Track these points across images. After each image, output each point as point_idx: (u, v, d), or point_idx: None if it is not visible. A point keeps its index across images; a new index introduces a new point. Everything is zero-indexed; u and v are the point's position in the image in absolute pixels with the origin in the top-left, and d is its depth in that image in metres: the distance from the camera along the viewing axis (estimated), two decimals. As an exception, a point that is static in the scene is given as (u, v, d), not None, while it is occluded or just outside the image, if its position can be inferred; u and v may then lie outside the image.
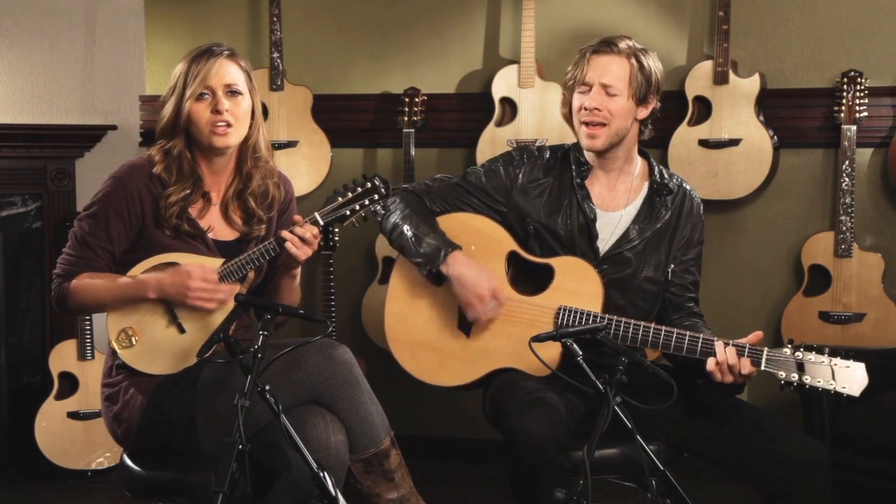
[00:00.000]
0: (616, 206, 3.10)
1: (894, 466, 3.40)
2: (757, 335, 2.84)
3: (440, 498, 3.81)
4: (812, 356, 2.75)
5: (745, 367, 2.79)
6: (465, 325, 3.09)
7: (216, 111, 2.85)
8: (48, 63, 4.67)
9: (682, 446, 2.98)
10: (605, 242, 3.08)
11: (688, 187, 3.17)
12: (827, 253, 4.16)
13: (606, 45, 3.03)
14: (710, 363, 2.82)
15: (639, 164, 3.14)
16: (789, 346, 2.78)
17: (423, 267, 3.05)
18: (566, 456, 2.76)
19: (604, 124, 3.01)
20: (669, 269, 3.10)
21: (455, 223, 3.12)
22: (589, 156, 3.10)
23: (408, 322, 3.13)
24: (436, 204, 3.15)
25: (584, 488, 2.47)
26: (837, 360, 2.74)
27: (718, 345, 2.82)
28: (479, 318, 3.02)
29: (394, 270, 3.19)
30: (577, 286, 3.00)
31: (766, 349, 2.80)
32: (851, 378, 2.73)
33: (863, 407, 3.54)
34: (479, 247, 3.08)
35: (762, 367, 2.80)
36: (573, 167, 3.10)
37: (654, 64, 3.05)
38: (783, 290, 4.33)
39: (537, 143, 4.27)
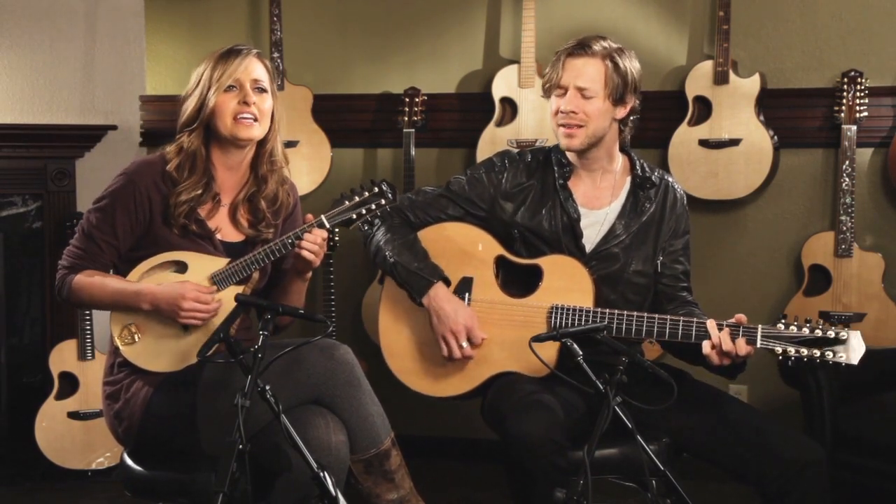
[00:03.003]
0: (600, 204, 3.10)
1: (894, 466, 3.40)
2: (740, 318, 2.84)
3: (440, 498, 3.82)
4: (807, 329, 2.76)
5: (742, 348, 2.79)
6: None
7: (244, 103, 2.87)
8: (48, 63, 4.67)
9: (682, 446, 2.98)
10: (591, 240, 3.08)
11: (670, 179, 3.17)
12: (827, 253, 4.16)
13: (581, 47, 3.02)
14: (706, 346, 2.83)
15: (620, 160, 3.14)
16: (783, 320, 2.79)
17: (408, 292, 3.07)
18: (563, 457, 2.76)
19: (580, 126, 3.01)
20: (658, 261, 3.11)
21: (440, 234, 3.12)
22: (571, 156, 3.10)
23: (403, 335, 3.13)
24: (418, 217, 3.15)
25: (584, 488, 2.47)
26: (832, 331, 2.74)
27: (712, 328, 2.82)
28: (452, 355, 3.01)
29: (384, 286, 3.18)
30: (566, 283, 3.00)
31: (760, 326, 2.80)
32: (849, 347, 2.74)
33: (863, 407, 3.55)
34: (468, 254, 3.08)
35: (758, 345, 2.80)
36: (555, 168, 3.10)
37: (630, 63, 3.04)
38: (783, 290, 4.33)
39: (537, 143, 4.28)
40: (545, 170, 3.12)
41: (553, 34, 4.43)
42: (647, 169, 3.13)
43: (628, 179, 3.13)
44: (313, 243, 2.83)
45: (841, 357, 2.74)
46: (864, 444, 3.47)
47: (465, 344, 2.99)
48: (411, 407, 3.24)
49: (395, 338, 3.14)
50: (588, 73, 3.00)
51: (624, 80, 3.01)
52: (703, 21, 4.36)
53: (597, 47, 3.01)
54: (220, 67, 2.88)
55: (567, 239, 3.07)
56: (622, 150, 3.15)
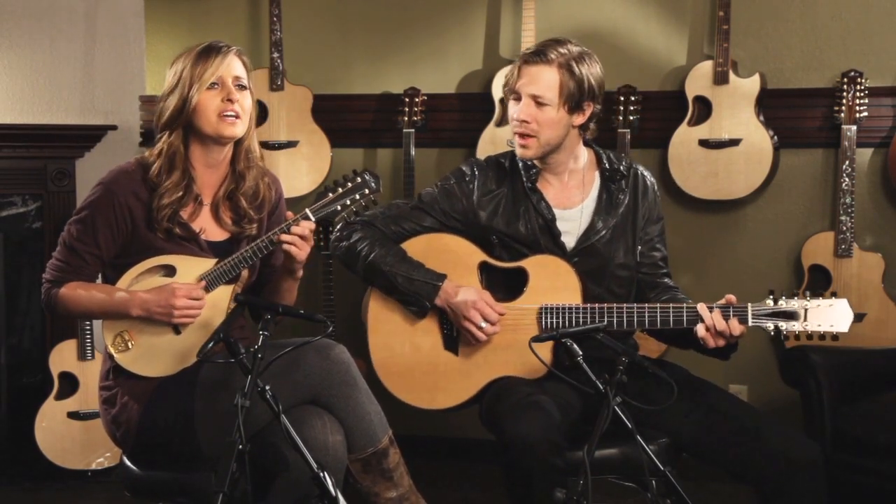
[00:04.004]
0: (572, 203, 3.10)
1: (894, 466, 3.40)
2: (729, 298, 2.85)
3: (440, 498, 3.81)
4: (795, 302, 2.78)
5: (736, 328, 2.81)
6: (452, 344, 3.08)
7: (228, 100, 2.85)
8: (48, 63, 4.67)
9: (681, 445, 2.98)
10: (571, 238, 3.08)
11: (639, 168, 3.16)
12: (827, 253, 4.16)
13: (536, 54, 3.01)
14: (701, 330, 2.83)
15: (585, 156, 3.13)
16: (771, 297, 2.79)
17: (415, 304, 3.06)
18: (561, 457, 2.76)
19: (533, 136, 3.00)
20: (637, 251, 3.10)
21: (421, 245, 3.11)
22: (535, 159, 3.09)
23: (394, 352, 3.12)
24: (392, 230, 3.13)
25: (584, 488, 2.47)
26: (819, 301, 2.77)
27: (704, 311, 2.83)
28: (478, 340, 3.01)
29: (370, 303, 3.16)
30: (553, 283, 3.00)
31: (750, 304, 2.81)
32: (837, 316, 2.76)
33: (863, 407, 3.55)
34: (450, 263, 3.08)
35: (750, 323, 2.81)
36: (522, 172, 3.10)
37: (587, 70, 3.00)
38: (783, 290, 4.29)
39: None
40: (513, 175, 3.12)
41: (553, 34, 4.38)
42: (614, 160, 3.12)
43: (596, 174, 3.13)
44: (297, 236, 2.81)
45: (831, 326, 2.75)
46: (864, 444, 3.47)
47: (483, 325, 2.99)
48: (410, 407, 3.24)
49: (388, 356, 3.13)
50: (542, 81, 2.98)
51: (580, 87, 2.99)
52: (703, 21, 4.36)
53: (552, 54, 2.99)
54: (200, 65, 2.85)
55: (546, 240, 3.06)
56: (585, 143, 3.13)
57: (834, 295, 2.79)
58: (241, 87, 2.89)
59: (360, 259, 3.10)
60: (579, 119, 3.03)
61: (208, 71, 2.84)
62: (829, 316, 2.76)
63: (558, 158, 3.07)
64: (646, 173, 3.17)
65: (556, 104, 2.98)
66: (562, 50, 3.00)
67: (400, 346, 3.11)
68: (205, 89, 2.84)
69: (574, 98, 2.99)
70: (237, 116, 2.86)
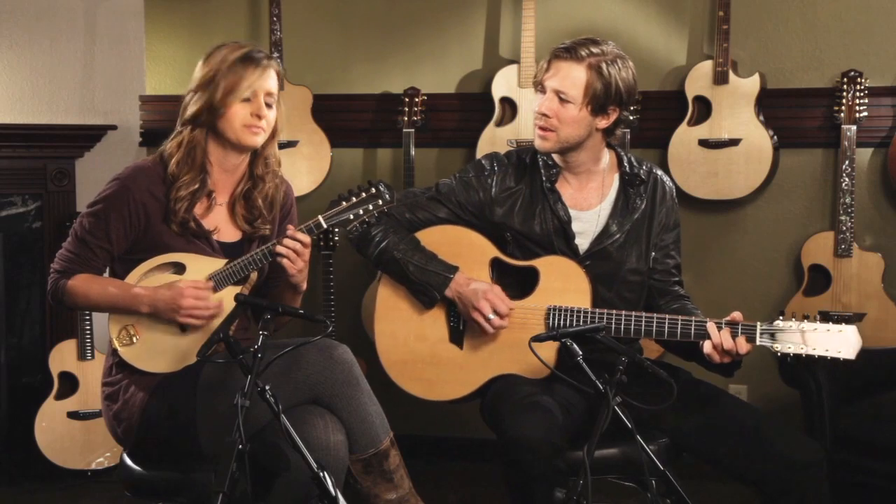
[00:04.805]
0: (590, 205, 3.09)
1: (894, 466, 3.40)
2: (736, 316, 2.85)
3: (440, 498, 3.82)
4: (805, 325, 2.76)
5: (742, 346, 2.80)
6: (457, 337, 3.09)
7: (257, 115, 2.86)
8: (48, 63, 4.68)
9: (682, 446, 2.98)
10: (585, 240, 3.07)
11: (658, 173, 3.14)
12: (827, 253, 4.16)
13: (567, 50, 2.98)
14: (707, 347, 2.83)
15: (607, 158, 3.11)
16: (781, 318, 2.79)
17: (425, 294, 3.06)
18: (561, 458, 2.76)
19: (552, 130, 2.99)
20: (651, 257, 3.10)
21: (436, 235, 3.12)
22: (556, 157, 3.08)
23: (399, 341, 3.12)
24: (407, 219, 3.14)
25: (584, 488, 2.47)
26: (829, 326, 2.75)
27: (712, 330, 2.82)
28: (486, 332, 3.01)
29: (378, 291, 3.18)
30: (563, 284, 3.00)
31: (759, 323, 2.80)
32: (846, 342, 2.74)
33: (863, 407, 3.55)
34: (462, 256, 3.08)
35: (757, 343, 2.80)
36: (542, 171, 3.09)
37: (618, 73, 2.96)
38: (783, 290, 4.33)
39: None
40: (532, 173, 3.11)
41: (553, 34, 4.43)
42: (634, 164, 3.11)
43: (616, 177, 3.12)
44: (291, 249, 2.82)
45: (838, 352, 2.74)
46: (864, 444, 3.47)
47: (491, 317, 2.99)
48: (411, 407, 3.24)
49: (392, 343, 3.13)
50: (569, 77, 2.96)
51: (606, 89, 2.95)
52: (703, 21, 4.36)
53: (583, 52, 2.96)
54: (237, 73, 2.85)
55: (559, 241, 3.06)
56: (608, 145, 3.11)
57: (845, 321, 2.77)
58: (270, 105, 2.90)
59: (374, 244, 3.10)
60: (603, 122, 3.00)
61: (244, 83, 2.85)
62: (836, 342, 2.74)
63: (579, 158, 3.06)
64: (665, 179, 3.15)
65: (579, 103, 2.96)
66: (594, 50, 2.96)
67: (405, 334, 3.12)
68: (239, 101, 2.85)
69: (599, 100, 2.96)
70: (262, 129, 2.89)
